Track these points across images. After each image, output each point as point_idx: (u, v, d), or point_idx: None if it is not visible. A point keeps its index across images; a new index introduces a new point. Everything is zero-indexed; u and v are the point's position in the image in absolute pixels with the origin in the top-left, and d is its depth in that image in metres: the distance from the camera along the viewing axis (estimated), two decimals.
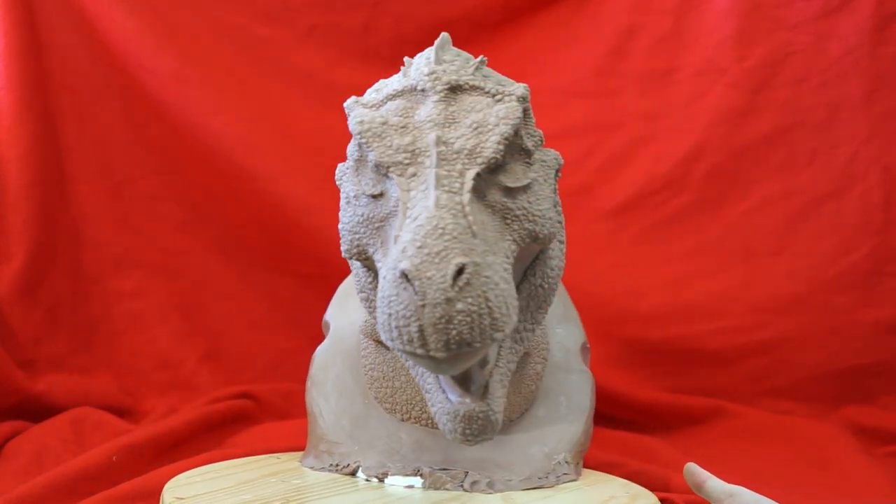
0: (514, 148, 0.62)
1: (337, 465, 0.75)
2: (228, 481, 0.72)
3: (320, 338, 0.86)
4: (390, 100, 0.63)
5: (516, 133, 0.61)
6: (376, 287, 0.65)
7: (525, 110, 0.63)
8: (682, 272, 1.20)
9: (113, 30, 1.20)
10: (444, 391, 0.59)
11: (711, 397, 1.13)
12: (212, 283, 1.26)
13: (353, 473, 0.74)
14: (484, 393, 0.59)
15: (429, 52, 0.65)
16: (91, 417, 1.04)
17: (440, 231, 0.52)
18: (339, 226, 0.65)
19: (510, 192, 0.61)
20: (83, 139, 1.22)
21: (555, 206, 0.66)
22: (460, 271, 0.51)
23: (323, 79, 1.27)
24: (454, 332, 0.51)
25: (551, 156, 0.67)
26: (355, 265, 0.69)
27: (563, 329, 0.84)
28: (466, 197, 0.55)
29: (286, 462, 0.79)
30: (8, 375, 1.03)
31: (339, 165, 0.67)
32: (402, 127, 0.60)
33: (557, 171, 0.68)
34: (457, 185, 0.56)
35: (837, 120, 1.16)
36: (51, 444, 0.95)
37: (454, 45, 0.67)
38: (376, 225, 0.62)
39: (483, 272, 0.52)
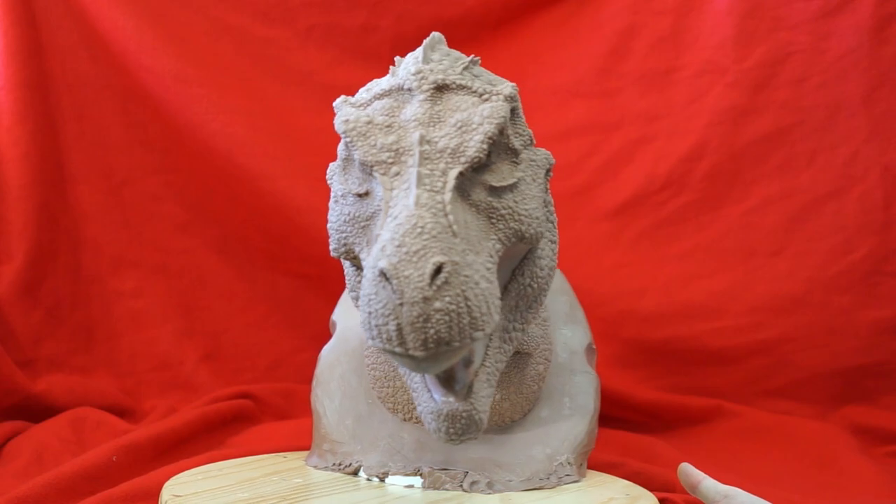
0: (501, 147, 0.61)
1: (339, 465, 0.75)
2: (229, 479, 0.72)
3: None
4: (378, 99, 0.63)
5: (502, 132, 0.60)
6: None
7: (513, 110, 0.63)
8: (682, 272, 1.20)
9: (113, 30, 1.20)
10: (429, 390, 0.59)
11: (711, 397, 1.13)
12: (212, 283, 1.26)
13: (356, 473, 0.74)
14: (468, 392, 0.58)
15: (418, 52, 0.64)
16: (91, 417, 1.04)
17: (419, 230, 0.52)
18: (328, 225, 0.65)
19: (495, 191, 0.60)
20: (83, 139, 1.22)
21: (544, 206, 0.66)
22: (438, 270, 0.51)
23: (323, 79, 1.28)
24: (432, 331, 0.51)
25: (541, 155, 0.66)
26: (346, 264, 0.69)
27: (569, 330, 0.84)
28: (448, 196, 0.55)
29: (291, 461, 0.79)
30: (8, 375, 1.03)
31: (330, 165, 0.67)
32: (388, 126, 0.60)
33: (548, 170, 0.67)
34: (439, 183, 0.56)
35: (837, 120, 1.16)
36: (51, 444, 0.95)
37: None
38: (362, 224, 0.62)
39: (462, 271, 0.52)
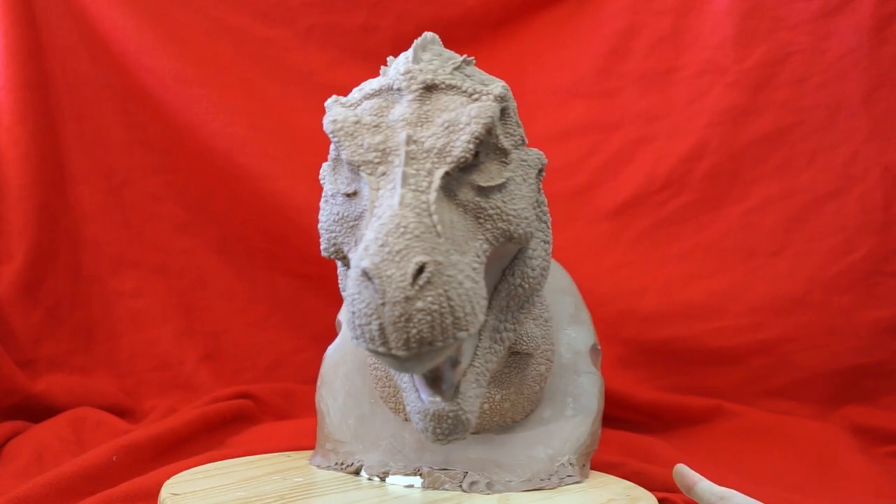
0: (489, 147, 0.61)
1: (341, 464, 0.75)
2: (230, 478, 0.72)
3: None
4: (367, 99, 0.63)
5: (490, 132, 0.60)
6: None
7: (504, 109, 0.62)
8: (682, 272, 1.20)
9: (113, 30, 1.20)
10: (417, 390, 0.59)
11: (711, 397, 1.13)
12: (212, 283, 1.26)
13: (357, 472, 0.74)
14: (455, 393, 0.58)
15: (409, 52, 0.64)
16: (91, 417, 1.04)
17: (402, 229, 0.52)
18: (318, 225, 0.65)
19: (483, 191, 0.60)
20: (83, 139, 1.22)
21: (535, 206, 0.65)
22: (421, 270, 0.51)
23: (323, 79, 1.27)
24: (414, 331, 0.50)
25: (533, 155, 0.66)
26: (338, 264, 0.69)
27: (573, 330, 0.83)
28: (433, 196, 0.55)
29: (295, 460, 0.79)
30: (8, 375, 1.03)
31: (323, 165, 0.67)
32: (375, 126, 0.60)
33: (540, 170, 0.66)
34: (424, 183, 0.56)
35: (837, 120, 1.16)
36: (51, 444, 0.95)
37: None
38: (350, 224, 0.62)
39: (445, 271, 0.52)
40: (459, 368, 0.60)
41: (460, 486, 0.69)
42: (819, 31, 1.16)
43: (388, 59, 0.67)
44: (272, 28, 1.29)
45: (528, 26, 1.32)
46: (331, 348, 0.84)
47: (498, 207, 0.60)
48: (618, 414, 1.10)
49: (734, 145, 1.20)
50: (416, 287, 0.50)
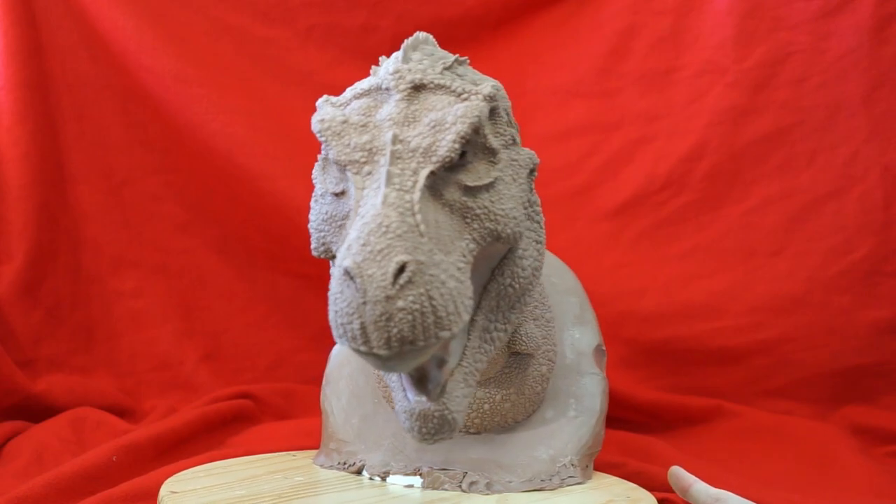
0: (477, 147, 0.61)
1: (344, 464, 0.75)
2: (231, 477, 0.72)
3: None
4: (357, 98, 0.63)
5: (477, 132, 0.60)
6: None
7: (493, 109, 0.62)
8: (682, 272, 1.20)
9: (113, 30, 1.20)
10: (404, 389, 0.59)
11: (711, 397, 1.13)
12: (212, 283, 1.26)
13: (359, 472, 0.74)
14: (441, 392, 0.58)
15: (399, 51, 0.64)
16: (91, 417, 1.04)
17: (384, 229, 0.52)
18: (309, 224, 0.65)
19: (470, 190, 0.60)
20: (83, 139, 1.22)
21: (526, 206, 0.65)
22: (402, 269, 0.51)
23: (323, 79, 1.27)
24: (395, 330, 0.50)
25: (524, 155, 0.65)
26: (332, 263, 0.68)
27: (577, 331, 0.83)
28: (417, 195, 0.55)
29: (300, 459, 0.80)
30: (8, 375, 1.03)
31: (315, 164, 0.67)
32: (363, 126, 0.60)
33: (532, 170, 0.66)
34: (409, 183, 0.55)
35: (837, 120, 1.16)
36: (51, 444, 0.95)
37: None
38: (338, 223, 0.62)
39: (427, 270, 0.52)
40: (447, 368, 0.60)
41: (460, 486, 0.69)
42: (819, 31, 1.16)
43: (380, 58, 0.67)
44: (272, 28, 1.29)
45: (528, 26, 1.32)
46: (336, 348, 0.85)
47: (485, 207, 0.60)
48: (618, 414, 1.10)
49: (734, 145, 1.20)
50: (397, 286, 0.50)
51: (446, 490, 0.69)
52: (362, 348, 0.52)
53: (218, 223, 1.27)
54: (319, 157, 0.65)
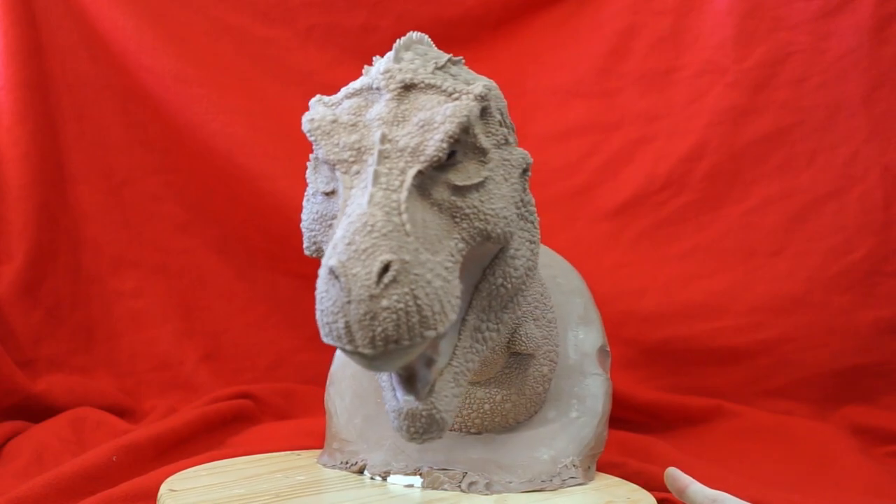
0: (467, 146, 0.60)
1: (346, 463, 0.75)
2: (232, 476, 0.72)
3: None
4: (348, 98, 0.63)
5: (466, 131, 0.60)
6: None
7: (484, 108, 0.62)
8: (682, 272, 1.20)
9: (113, 30, 1.20)
10: (394, 389, 0.59)
11: (711, 397, 1.13)
12: (212, 283, 1.26)
13: (361, 471, 0.74)
14: (430, 392, 0.58)
15: (391, 51, 0.64)
16: (91, 417, 1.04)
17: (369, 228, 0.52)
18: (301, 224, 0.65)
19: (459, 190, 0.59)
20: (83, 139, 1.22)
21: (518, 206, 0.64)
22: (387, 268, 0.51)
23: (323, 79, 1.27)
24: (379, 329, 0.50)
25: (517, 155, 0.65)
26: None
27: (581, 331, 0.83)
28: (404, 195, 0.54)
29: (304, 459, 0.80)
30: (8, 375, 1.03)
31: (308, 164, 0.67)
32: (352, 125, 0.60)
33: (525, 170, 0.66)
34: (396, 182, 0.55)
35: (837, 120, 1.16)
36: (51, 444, 0.95)
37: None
38: (328, 222, 0.62)
39: (412, 269, 0.51)
40: (436, 367, 0.59)
41: (459, 486, 0.69)
42: (819, 31, 1.16)
43: (374, 58, 0.67)
44: (272, 28, 1.29)
45: (528, 26, 1.32)
46: None
47: (475, 206, 0.60)
48: (618, 414, 1.09)
49: (734, 145, 1.20)
50: (382, 285, 0.50)
51: (446, 490, 0.69)
52: (347, 347, 0.52)
53: (218, 223, 1.27)
54: (311, 156, 0.65)
